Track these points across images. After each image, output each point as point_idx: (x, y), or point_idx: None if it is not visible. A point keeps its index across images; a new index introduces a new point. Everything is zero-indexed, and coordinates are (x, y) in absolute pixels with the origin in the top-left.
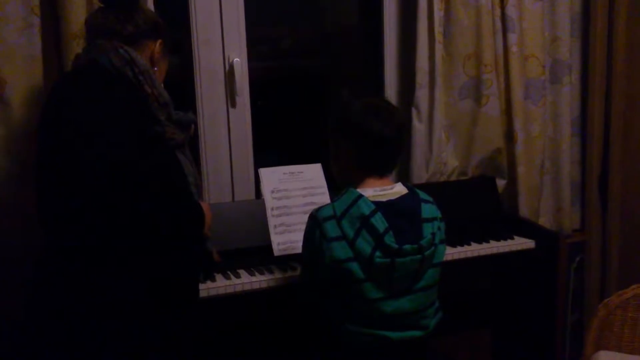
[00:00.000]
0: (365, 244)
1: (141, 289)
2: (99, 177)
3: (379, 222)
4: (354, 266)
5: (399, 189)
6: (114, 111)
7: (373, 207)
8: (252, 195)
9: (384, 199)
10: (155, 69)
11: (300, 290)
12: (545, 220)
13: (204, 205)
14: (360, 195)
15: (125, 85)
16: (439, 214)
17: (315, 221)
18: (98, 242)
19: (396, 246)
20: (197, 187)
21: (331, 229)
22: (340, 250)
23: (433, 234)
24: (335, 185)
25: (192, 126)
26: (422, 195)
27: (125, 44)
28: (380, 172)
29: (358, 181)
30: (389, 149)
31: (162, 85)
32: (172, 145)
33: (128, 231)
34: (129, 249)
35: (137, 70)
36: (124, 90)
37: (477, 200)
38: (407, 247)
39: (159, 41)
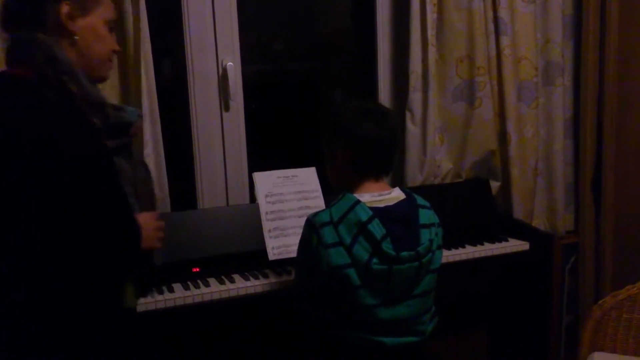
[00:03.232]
0: (362, 251)
1: (65, 310)
2: (19, 197)
3: (377, 228)
4: (351, 272)
5: (397, 194)
6: (32, 127)
7: (370, 213)
8: (247, 200)
9: (381, 205)
10: (76, 37)
11: (295, 296)
12: (539, 222)
13: (144, 217)
14: (358, 201)
15: (44, 97)
16: (436, 220)
17: (312, 227)
18: (19, 264)
19: (394, 253)
20: (145, 195)
21: (328, 234)
22: (338, 257)
23: (431, 240)
24: (330, 189)
25: (133, 128)
26: (420, 200)
27: (22, 27)
28: (375, 174)
29: (354, 185)
30: (382, 151)
31: (102, 64)
32: (107, 152)
33: (49, 253)
34: (52, 271)
35: (60, 69)
36: (42, 103)
37: (471, 203)
38: (404, 254)
39: (64, 3)
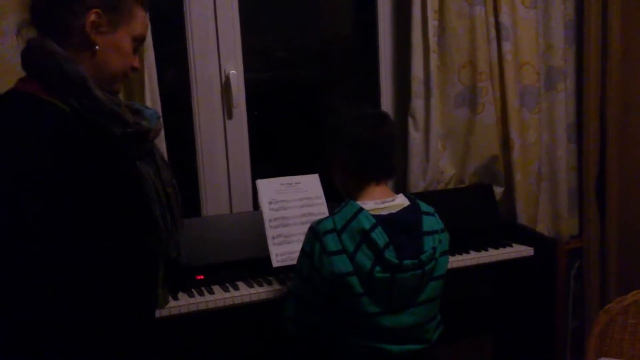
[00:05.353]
0: (365, 259)
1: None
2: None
3: (380, 236)
4: (353, 280)
5: (400, 201)
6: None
7: (374, 221)
8: (250, 207)
9: (384, 212)
10: (97, 47)
11: (289, 302)
12: (543, 227)
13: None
14: (361, 209)
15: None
16: (440, 226)
17: (315, 234)
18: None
19: (396, 261)
20: (174, 196)
21: (332, 242)
22: (341, 264)
23: (434, 248)
24: (333, 195)
25: (152, 133)
26: (424, 207)
27: (46, 33)
28: (376, 178)
29: (357, 191)
30: (380, 155)
31: (115, 79)
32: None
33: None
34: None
35: (69, 80)
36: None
37: (475, 208)
38: (407, 262)
39: (94, 12)
